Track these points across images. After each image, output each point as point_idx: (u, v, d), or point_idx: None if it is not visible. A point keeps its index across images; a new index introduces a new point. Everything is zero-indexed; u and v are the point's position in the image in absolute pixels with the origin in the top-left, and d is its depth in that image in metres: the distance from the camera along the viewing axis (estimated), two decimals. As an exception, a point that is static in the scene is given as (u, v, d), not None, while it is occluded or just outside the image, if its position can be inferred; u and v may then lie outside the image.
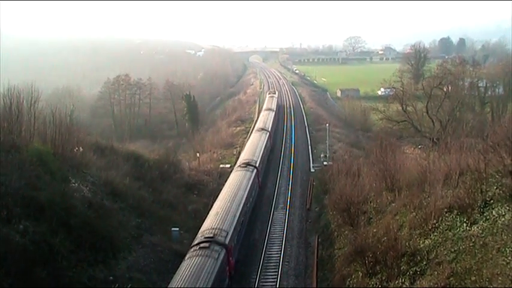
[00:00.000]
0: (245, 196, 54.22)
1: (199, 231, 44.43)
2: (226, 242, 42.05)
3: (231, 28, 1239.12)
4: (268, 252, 51.57)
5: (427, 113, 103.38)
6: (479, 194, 34.99)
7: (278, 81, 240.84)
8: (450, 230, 34.23)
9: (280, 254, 50.85)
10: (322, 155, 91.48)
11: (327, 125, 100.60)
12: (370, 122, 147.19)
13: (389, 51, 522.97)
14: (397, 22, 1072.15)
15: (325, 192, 68.31)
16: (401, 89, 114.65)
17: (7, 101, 51.80)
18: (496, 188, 34.48)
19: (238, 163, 68.17)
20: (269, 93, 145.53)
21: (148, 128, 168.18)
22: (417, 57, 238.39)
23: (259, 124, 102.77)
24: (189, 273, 35.98)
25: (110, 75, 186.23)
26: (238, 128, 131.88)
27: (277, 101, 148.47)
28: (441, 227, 35.36)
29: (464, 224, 33.50)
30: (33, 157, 46.42)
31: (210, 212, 48.73)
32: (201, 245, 40.41)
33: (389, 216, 43.77)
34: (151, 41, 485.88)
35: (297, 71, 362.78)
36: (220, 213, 46.93)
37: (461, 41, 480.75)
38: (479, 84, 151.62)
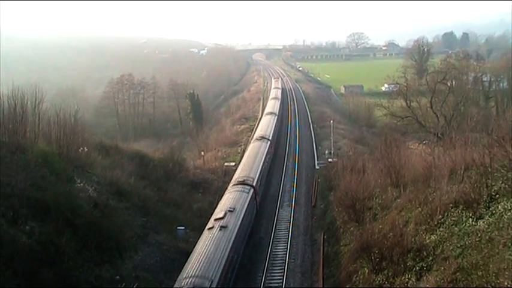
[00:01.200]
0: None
1: None
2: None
3: (234, 26, 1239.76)
4: (274, 250, 51.56)
5: (431, 108, 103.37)
6: (485, 189, 34.91)
7: (282, 79, 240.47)
8: (456, 225, 34.16)
9: (286, 251, 50.85)
10: (326, 152, 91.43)
11: (331, 121, 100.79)
12: (374, 118, 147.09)
13: (392, 46, 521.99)
14: (400, 17, 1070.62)
15: (330, 188, 68.33)
16: (405, 84, 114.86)
17: (11, 103, 51.86)
18: (502, 183, 34.39)
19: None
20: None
21: (152, 127, 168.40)
22: (421, 53, 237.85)
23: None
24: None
25: (113, 75, 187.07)
26: (243, 126, 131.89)
27: (281, 99, 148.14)
28: (447, 222, 35.29)
29: (470, 219, 33.42)
30: (38, 158, 46.50)
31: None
32: None
33: (394, 212, 43.73)
34: (154, 40, 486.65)
35: (300, 68, 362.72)
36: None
37: (465, 36, 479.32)
38: (484, 79, 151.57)
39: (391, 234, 38.83)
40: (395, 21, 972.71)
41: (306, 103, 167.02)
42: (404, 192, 46.00)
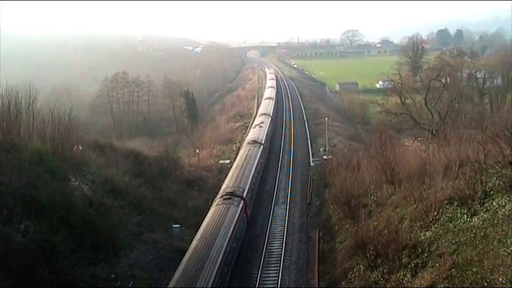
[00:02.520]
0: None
1: None
2: None
3: (228, 24, 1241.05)
4: (269, 247, 51.55)
5: (426, 105, 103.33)
6: (480, 185, 34.97)
7: (276, 76, 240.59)
8: (451, 222, 34.21)
9: (282, 248, 50.85)
10: (321, 149, 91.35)
11: (326, 119, 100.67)
12: (369, 115, 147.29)
13: (387, 44, 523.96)
14: (395, 15, 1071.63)
15: (325, 186, 68.33)
16: (400, 81, 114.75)
17: (5, 101, 51.75)
18: (496, 179, 34.46)
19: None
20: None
21: (147, 125, 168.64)
22: (415, 50, 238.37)
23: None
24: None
25: (108, 73, 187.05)
26: (237, 124, 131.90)
27: (275, 97, 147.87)
28: (442, 219, 35.33)
29: (465, 216, 33.47)
30: (32, 156, 46.41)
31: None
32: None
33: (389, 209, 43.76)
34: (150, 38, 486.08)
35: (295, 66, 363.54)
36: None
37: (459, 33, 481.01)
38: (478, 76, 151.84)
39: (386, 231, 38.84)
40: (389, 19, 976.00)
41: (300, 100, 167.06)
42: (399, 189, 46.04)
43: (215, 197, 54.40)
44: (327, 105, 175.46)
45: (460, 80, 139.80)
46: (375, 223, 42.52)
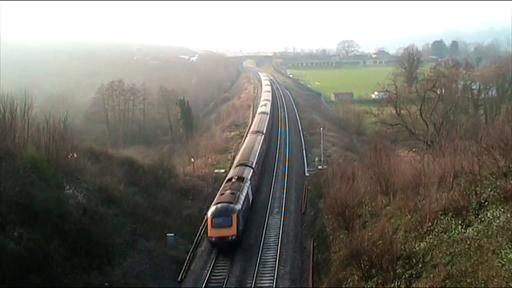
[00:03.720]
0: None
1: None
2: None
3: (225, 33, 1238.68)
4: (264, 257, 51.46)
5: (421, 116, 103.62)
6: (474, 196, 34.98)
7: (271, 85, 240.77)
8: (445, 233, 34.22)
9: (276, 258, 50.75)
10: (316, 159, 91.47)
11: (321, 129, 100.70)
12: (364, 125, 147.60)
13: (382, 54, 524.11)
14: (390, 26, 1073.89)
15: (320, 196, 68.32)
16: (395, 92, 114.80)
17: (0, 108, 51.62)
18: (491, 190, 34.46)
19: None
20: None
21: (142, 134, 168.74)
22: (410, 61, 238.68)
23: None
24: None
25: (103, 81, 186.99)
26: (233, 133, 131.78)
27: (271, 107, 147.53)
28: (436, 230, 35.34)
29: (459, 227, 33.48)
30: (27, 164, 46.24)
31: None
32: None
33: (384, 219, 43.75)
34: (145, 46, 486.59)
35: (290, 76, 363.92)
36: None
37: (454, 44, 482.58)
38: (473, 87, 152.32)
39: (380, 241, 38.82)
40: (385, 29, 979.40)
41: (296, 110, 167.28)
42: (393, 199, 46.05)
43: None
44: (322, 115, 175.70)
45: (455, 91, 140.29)
46: (370, 233, 42.50)
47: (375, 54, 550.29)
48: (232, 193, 59.15)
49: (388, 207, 45.85)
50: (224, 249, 53.36)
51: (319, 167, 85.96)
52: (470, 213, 33.81)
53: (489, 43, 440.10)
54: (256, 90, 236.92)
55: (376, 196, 50.16)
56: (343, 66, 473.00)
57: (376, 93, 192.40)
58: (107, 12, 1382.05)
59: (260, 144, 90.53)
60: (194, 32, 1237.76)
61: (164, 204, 66.67)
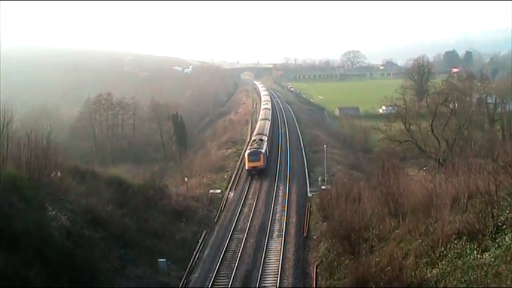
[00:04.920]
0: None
1: None
2: None
3: (221, 43, 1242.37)
4: (262, 284, 51.18)
5: (432, 132, 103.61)
6: (491, 219, 34.80)
7: (272, 100, 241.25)
8: (460, 258, 34.00)
9: (276, 286, 50.46)
10: (319, 179, 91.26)
11: (325, 146, 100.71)
12: (371, 142, 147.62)
13: (390, 66, 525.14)
14: (398, 34, 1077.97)
15: (323, 218, 68.13)
16: (404, 106, 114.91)
17: (-23, 123, 51.42)
18: (509, 212, 34.33)
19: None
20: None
21: (132, 151, 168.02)
22: (421, 72, 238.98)
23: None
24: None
25: (91, 93, 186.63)
26: (230, 150, 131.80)
27: (270, 126, 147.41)
28: (450, 255, 35.13)
29: (475, 252, 33.26)
30: (6, 183, 45.92)
31: None
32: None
33: (393, 243, 43.55)
34: (135, 56, 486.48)
35: (292, 89, 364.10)
36: None
37: (468, 54, 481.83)
38: (488, 101, 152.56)
39: (389, 267, 38.63)
40: (393, 39, 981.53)
41: (297, 126, 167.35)
42: (403, 222, 45.87)
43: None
44: (326, 132, 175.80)
45: (469, 106, 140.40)
46: (377, 259, 42.31)
47: (382, 65, 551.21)
48: (258, 144, 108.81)
49: (397, 231, 45.66)
50: (256, 174, 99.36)
51: (323, 187, 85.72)
52: (487, 237, 33.63)
53: (506, 53, 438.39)
54: (255, 105, 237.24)
55: (384, 218, 49.96)
56: (348, 78, 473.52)
57: (383, 107, 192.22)
58: (95, 18, 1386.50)
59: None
60: (188, 42, 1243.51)
61: (155, 226, 66.36)
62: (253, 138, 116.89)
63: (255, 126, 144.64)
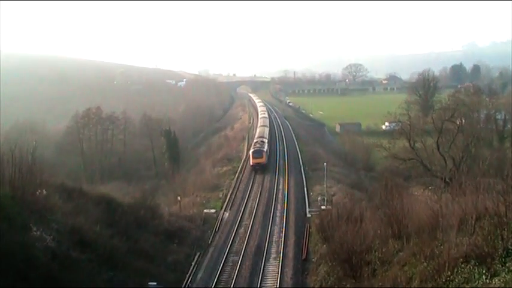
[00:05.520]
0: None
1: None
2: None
3: (217, 55, 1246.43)
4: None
5: (438, 149, 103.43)
6: (500, 242, 34.67)
7: (269, 115, 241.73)
8: (467, 283, 33.83)
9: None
10: (319, 198, 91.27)
11: (325, 164, 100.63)
12: (373, 160, 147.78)
13: (394, 80, 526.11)
14: (402, 46, 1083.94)
15: (323, 240, 67.94)
16: (409, 122, 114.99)
17: (-42, 138, 51.39)
18: (519, 235, 34.21)
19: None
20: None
21: (122, 168, 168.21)
22: (426, 87, 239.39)
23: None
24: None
25: (79, 107, 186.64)
26: (225, 168, 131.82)
27: (268, 142, 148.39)
28: (457, 280, 34.96)
29: (484, 276, 33.09)
30: (-12, 201, 45.87)
31: None
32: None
33: (396, 267, 43.40)
34: (126, 68, 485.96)
35: (290, 104, 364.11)
36: None
37: (476, 68, 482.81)
38: (497, 117, 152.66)
39: (392, 292, 38.45)
40: (397, 51, 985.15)
41: (296, 143, 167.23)
42: (407, 244, 45.72)
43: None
44: (326, 149, 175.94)
45: (477, 122, 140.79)
46: (380, 283, 42.15)
47: (385, 79, 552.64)
48: (260, 144, 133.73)
49: (401, 254, 45.51)
50: (259, 169, 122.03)
51: (323, 207, 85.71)
52: (496, 261, 33.46)
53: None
54: (251, 120, 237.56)
55: (387, 240, 49.81)
56: (349, 93, 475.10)
57: (386, 123, 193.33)
58: (84, 27, 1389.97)
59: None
60: (182, 54, 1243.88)
61: (146, 248, 66.13)
62: (255, 141, 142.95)
63: (255, 132, 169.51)
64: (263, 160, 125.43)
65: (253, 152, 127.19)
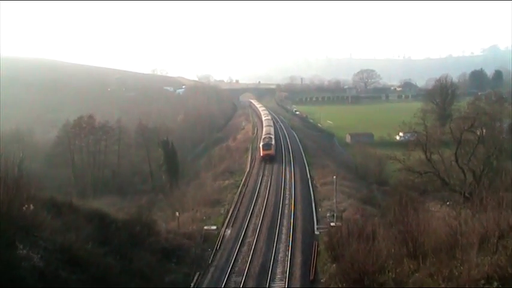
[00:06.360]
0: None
1: None
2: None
3: (218, 60, 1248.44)
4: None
5: (457, 162, 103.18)
6: (525, 262, 34.53)
7: (274, 125, 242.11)
8: (489, 307, 33.68)
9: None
10: (328, 214, 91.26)
11: (334, 177, 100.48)
12: (386, 173, 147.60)
13: (409, 87, 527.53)
14: (418, 50, 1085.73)
15: (332, 259, 67.83)
16: (425, 133, 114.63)
17: None
18: (545, 254, 34.06)
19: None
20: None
21: (116, 181, 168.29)
22: (443, 94, 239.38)
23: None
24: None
25: (70, 116, 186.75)
26: (227, 182, 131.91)
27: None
28: (478, 303, 34.81)
29: (507, 299, 32.96)
30: (-29, 218, 45.82)
31: None
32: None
33: (412, 289, 43.23)
34: (121, 73, 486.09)
35: (297, 112, 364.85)
36: None
37: (498, 73, 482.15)
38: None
39: (408, 316, 38.29)
40: (412, 54, 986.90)
41: (303, 154, 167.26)
42: (423, 264, 45.54)
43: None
44: (336, 161, 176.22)
45: (500, 132, 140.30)
46: (394, 307, 41.95)
47: (399, 86, 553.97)
48: (268, 139, 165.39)
49: (417, 274, 45.35)
50: (268, 160, 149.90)
51: (332, 223, 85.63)
52: (520, 283, 33.33)
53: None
54: (255, 130, 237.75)
55: (402, 260, 49.64)
56: (361, 101, 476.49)
57: (401, 134, 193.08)
58: (76, 30, 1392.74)
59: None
60: (181, 59, 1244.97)
61: (142, 267, 66.01)
62: (263, 137, 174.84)
63: (262, 132, 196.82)
64: (272, 152, 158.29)
65: (263, 145, 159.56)
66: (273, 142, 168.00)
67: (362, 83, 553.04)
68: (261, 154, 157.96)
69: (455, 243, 43.09)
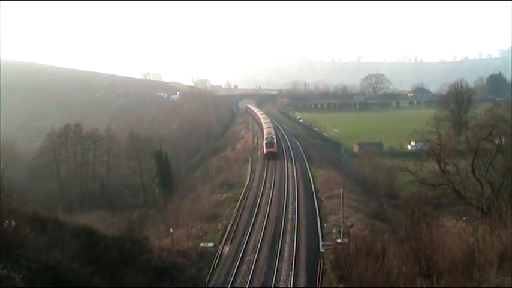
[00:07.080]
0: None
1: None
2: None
3: (215, 65, 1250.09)
4: None
5: (473, 173, 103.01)
6: (548, 282, 34.41)
7: (276, 132, 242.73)
8: (509, 331, 33.54)
9: None
10: (334, 230, 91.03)
11: (341, 190, 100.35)
12: (397, 185, 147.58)
13: (421, 92, 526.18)
14: (431, 52, 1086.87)
15: (339, 278, 67.69)
16: (439, 142, 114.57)
17: None
18: None
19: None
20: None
21: (105, 195, 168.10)
22: (458, 101, 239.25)
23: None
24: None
25: (55, 124, 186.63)
26: (225, 195, 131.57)
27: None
28: (497, 327, 34.67)
29: (529, 323, 32.83)
30: None
31: None
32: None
33: (426, 311, 43.09)
34: (109, 77, 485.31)
35: (300, 120, 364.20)
36: None
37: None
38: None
39: None
40: (425, 57, 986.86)
41: (307, 165, 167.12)
42: (438, 284, 45.46)
43: None
44: (342, 172, 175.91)
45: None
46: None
47: (411, 92, 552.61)
48: (271, 138, 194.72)
49: (431, 295, 45.20)
50: (271, 157, 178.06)
51: (338, 240, 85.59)
52: (544, 305, 33.20)
53: None
54: (256, 139, 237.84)
55: (414, 279, 49.53)
56: (369, 108, 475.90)
57: (412, 143, 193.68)
58: (62, 32, 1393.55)
59: None
60: (176, 62, 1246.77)
61: (133, 287, 65.93)
62: (265, 136, 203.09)
63: (264, 133, 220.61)
64: (274, 149, 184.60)
65: (266, 143, 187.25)
66: (275, 141, 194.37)
67: (370, 88, 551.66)
68: (265, 152, 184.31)
69: (473, 262, 43.00)
